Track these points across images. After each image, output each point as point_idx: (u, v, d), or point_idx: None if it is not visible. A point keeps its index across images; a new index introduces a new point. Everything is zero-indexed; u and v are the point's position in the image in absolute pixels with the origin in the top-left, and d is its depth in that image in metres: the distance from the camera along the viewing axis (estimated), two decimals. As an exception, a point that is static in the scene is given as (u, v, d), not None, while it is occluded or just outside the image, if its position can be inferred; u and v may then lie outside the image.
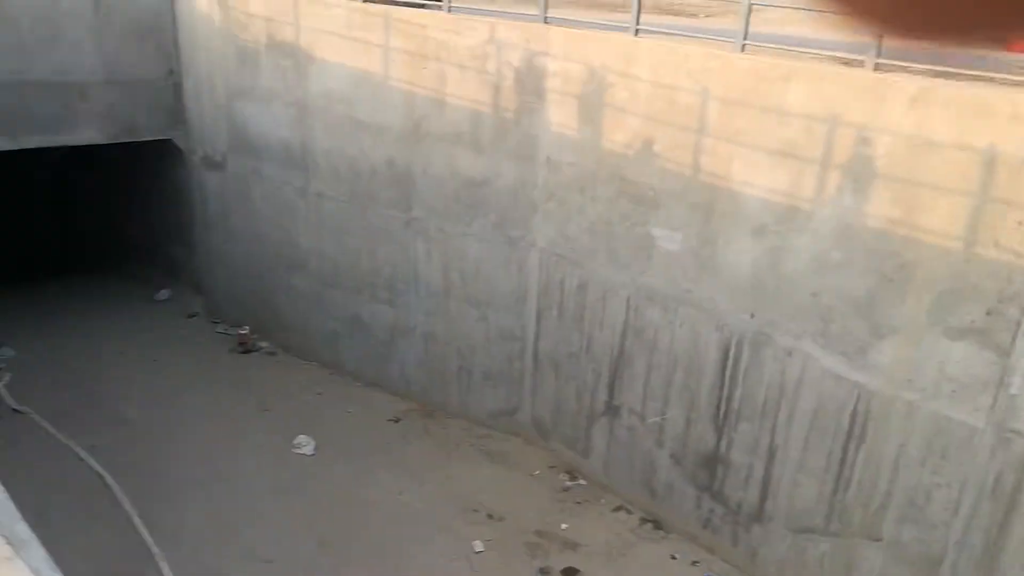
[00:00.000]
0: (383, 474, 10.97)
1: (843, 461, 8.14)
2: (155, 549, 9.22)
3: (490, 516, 10.31)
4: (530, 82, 9.31)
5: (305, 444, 11.44)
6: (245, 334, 13.98)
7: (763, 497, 8.93)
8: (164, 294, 15.97)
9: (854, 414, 7.93)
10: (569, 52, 8.87)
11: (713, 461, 9.33)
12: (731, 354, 8.80)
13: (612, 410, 10.28)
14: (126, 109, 13.18)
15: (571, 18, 8.60)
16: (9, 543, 1.20)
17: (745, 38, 7.86)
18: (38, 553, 1.22)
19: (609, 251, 9.48)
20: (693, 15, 12.97)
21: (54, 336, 14.11)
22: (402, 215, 11.38)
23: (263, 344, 14.06)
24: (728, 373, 8.89)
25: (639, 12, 8.40)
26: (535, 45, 9.05)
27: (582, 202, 9.44)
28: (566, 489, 10.84)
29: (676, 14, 12.71)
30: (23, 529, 1.27)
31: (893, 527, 7.83)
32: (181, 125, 13.75)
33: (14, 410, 11.70)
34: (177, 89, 13.49)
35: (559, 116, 9.30)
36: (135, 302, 15.77)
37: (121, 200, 17.05)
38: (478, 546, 9.80)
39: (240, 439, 11.50)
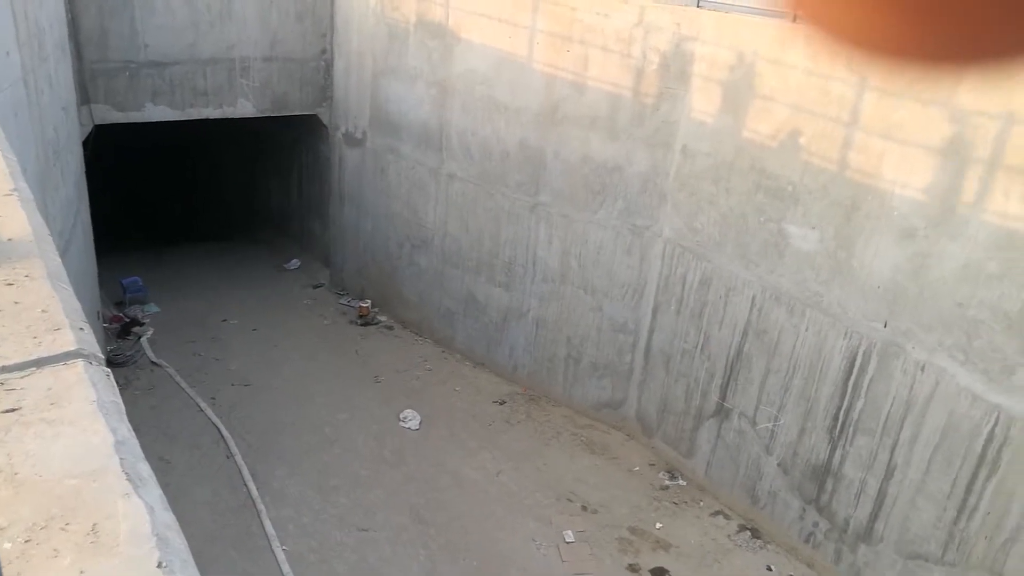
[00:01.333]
0: (483, 454, 11.07)
1: (970, 488, 7.60)
2: (260, 505, 9.64)
3: (584, 507, 10.22)
4: (675, 67, 9.26)
5: (411, 418, 11.71)
6: (366, 307, 14.49)
7: (874, 516, 8.45)
8: (294, 264, 16.77)
9: (989, 438, 7.41)
10: (720, 37, 8.76)
11: (824, 473, 8.91)
12: (857, 364, 8.41)
13: (722, 412, 10.00)
14: (280, 85, 13.99)
15: (725, 1, 8.48)
16: (130, 480, 1.34)
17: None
18: (154, 492, 1.36)
19: (738, 246, 9.26)
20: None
21: (192, 296, 15.07)
22: (528, 198, 11.51)
23: (382, 318, 14.52)
24: (851, 383, 8.50)
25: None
26: (685, 29, 8.99)
27: (715, 193, 9.27)
28: (664, 488, 10.60)
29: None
30: (144, 468, 1.42)
31: (1020, 565, 7.23)
32: (327, 102, 14.46)
33: (153, 362, 12.57)
34: (328, 67, 14.22)
35: (701, 103, 9.19)
36: (267, 270, 16.65)
37: (263, 173, 18.08)
38: (569, 536, 9.73)
39: (351, 407, 11.90)
